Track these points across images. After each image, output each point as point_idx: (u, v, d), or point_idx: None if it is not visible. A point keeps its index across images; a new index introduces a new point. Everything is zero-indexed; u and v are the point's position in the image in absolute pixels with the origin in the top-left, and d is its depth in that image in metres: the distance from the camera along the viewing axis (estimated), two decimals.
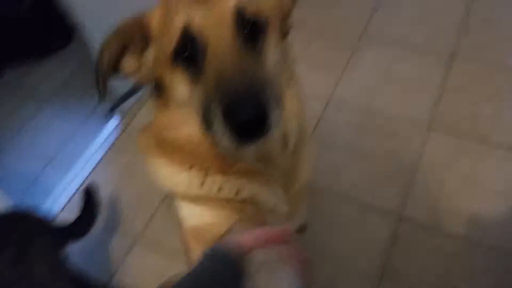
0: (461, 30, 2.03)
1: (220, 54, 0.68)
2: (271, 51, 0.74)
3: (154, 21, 0.75)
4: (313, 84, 1.96)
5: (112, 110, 2.01)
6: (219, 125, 0.65)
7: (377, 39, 2.10)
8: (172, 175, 0.86)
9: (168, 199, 0.98)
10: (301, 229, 1.48)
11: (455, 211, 1.54)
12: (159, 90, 0.78)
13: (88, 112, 2.09)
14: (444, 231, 1.50)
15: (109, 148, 1.94)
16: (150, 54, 0.76)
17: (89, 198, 1.45)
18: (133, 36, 0.75)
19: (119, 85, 1.95)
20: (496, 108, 1.76)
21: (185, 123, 0.77)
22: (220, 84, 0.66)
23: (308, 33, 2.15)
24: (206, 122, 0.69)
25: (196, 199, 0.86)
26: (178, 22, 0.70)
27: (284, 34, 0.81)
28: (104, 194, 1.62)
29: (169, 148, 0.83)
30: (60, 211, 1.78)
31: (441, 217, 1.53)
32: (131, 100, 2.01)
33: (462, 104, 1.79)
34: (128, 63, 0.77)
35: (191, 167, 0.83)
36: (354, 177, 1.66)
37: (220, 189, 0.84)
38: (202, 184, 0.84)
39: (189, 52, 0.70)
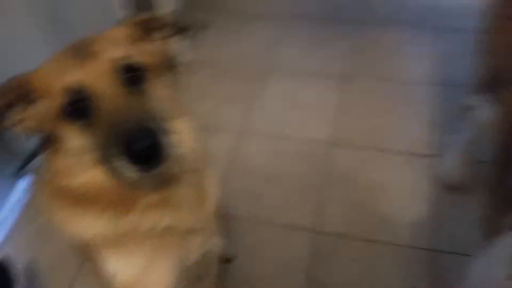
0: (351, 54, 2.25)
1: (106, 102, 0.75)
2: (154, 90, 0.83)
3: (38, 80, 0.78)
4: (225, 117, 2.07)
5: (21, 170, 1.94)
6: (119, 160, 0.72)
7: (280, 69, 2.25)
8: (85, 225, 0.87)
9: (88, 260, 0.98)
10: (227, 261, 1.52)
11: (368, 217, 1.66)
12: (51, 139, 0.81)
13: None
14: (360, 238, 1.61)
15: (22, 212, 1.85)
16: (36, 109, 0.79)
17: (2, 274, 1.37)
18: (17, 95, 0.78)
19: (27, 144, 1.90)
20: (389, 119, 1.95)
21: (83, 169, 0.80)
22: (112, 126, 0.73)
23: (217, 70, 2.28)
24: (106, 162, 0.75)
25: (116, 244, 0.88)
26: (63, 81, 0.75)
27: (168, 73, 0.90)
28: (20, 263, 1.54)
29: (74, 197, 0.85)
30: None
31: (356, 225, 1.64)
32: (41, 158, 1.96)
33: (359, 120, 1.97)
34: (13, 118, 0.79)
35: (101, 212, 0.85)
36: (273, 201, 1.74)
37: (136, 226, 0.86)
38: (118, 226, 0.86)
39: (76, 106, 0.75)
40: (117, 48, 0.80)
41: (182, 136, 0.89)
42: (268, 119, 2.03)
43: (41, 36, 1.69)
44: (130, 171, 0.73)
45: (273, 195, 1.76)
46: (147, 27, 0.90)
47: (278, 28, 2.46)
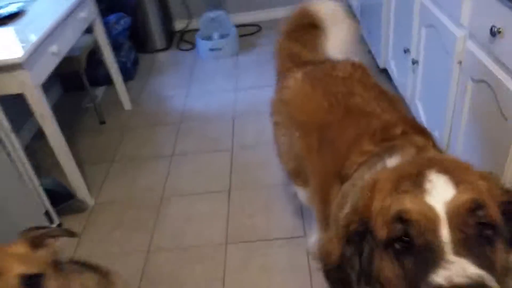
0: (229, 171, 2.82)
1: None
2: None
3: None
4: (133, 241, 2.41)
5: None
6: None
7: (174, 193, 2.72)
8: None
9: None
10: None
11: None
12: None
13: None
14: None
15: None
16: None
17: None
18: None
19: None
20: (267, 214, 2.45)
21: None
22: None
23: (122, 205, 2.67)
24: None
25: None
26: None
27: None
28: None
29: None
30: None
31: None
32: None
33: (245, 221, 2.44)
34: None
35: None
36: None
37: None
38: None
39: None
40: (19, 265, 1.02)
41: None
42: (171, 235, 2.43)
43: None
44: None
45: None
46: (38, 241, 1.15)
47: (168, 164, 2.99)
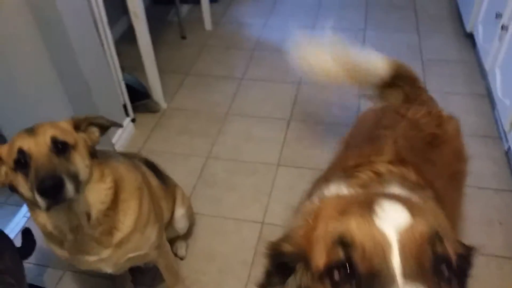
0: (293, 102, 2.95)
1: (39, 161, 1.14)
2: (77, 161, 1.23)
3: (3, 150, 1.22)
4: (196, 146, 2.67)
5: None
6: (36, 195, 1.11)
7: (238, 113, 2.91)
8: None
9: None
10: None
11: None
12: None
13: None
14: None
15: None
16: (2, 170, 1.23)
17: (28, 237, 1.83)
18: None
19: None
20: (321, 148, 2.59)
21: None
22: (37, 175, 1.12)
23: (191, 113, 2.92)
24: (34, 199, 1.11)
25: None
26: (15, 147, 1.17)
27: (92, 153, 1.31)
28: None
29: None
30: None
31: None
32: None
33: (299, 149, 2.61)
34: None
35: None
36: (230, 204, 2.30)
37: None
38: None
39: (23, 162, 1.16)
40: (54, 131, 1.20)
41: (93, 195, 1.28)
42: (230, 148, 2.65)
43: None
44: (40, 201, 1.11)
45: (230, 200, 2.33)
46: (81, 123, 1.30)
47: (237, 85, 3.17)
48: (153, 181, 1.63)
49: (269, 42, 3.61)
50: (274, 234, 2.18)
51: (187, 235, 2.11)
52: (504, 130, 2.40)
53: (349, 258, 0.62)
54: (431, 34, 3.52)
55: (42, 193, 1.10)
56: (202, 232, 2.18)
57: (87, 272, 2.00)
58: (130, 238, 1.40)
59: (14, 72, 2.05)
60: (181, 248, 2.03)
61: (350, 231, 0.64)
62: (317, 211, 0.75)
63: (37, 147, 1.16)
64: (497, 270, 1.92)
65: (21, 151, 1.15)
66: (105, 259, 1.39)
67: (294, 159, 2.55)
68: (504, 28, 2.49)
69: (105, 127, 1.36)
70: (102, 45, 2.44)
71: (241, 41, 3.68)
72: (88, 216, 1.29)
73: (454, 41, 3.42)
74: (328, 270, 0.65)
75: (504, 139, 2.44)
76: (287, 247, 0.76)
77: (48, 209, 1.14)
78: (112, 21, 2.54)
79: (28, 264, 1.97)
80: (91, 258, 1.37)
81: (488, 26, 2.86)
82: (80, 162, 1.23)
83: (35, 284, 1.90)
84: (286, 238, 0.78)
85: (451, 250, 0.65)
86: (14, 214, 2.36)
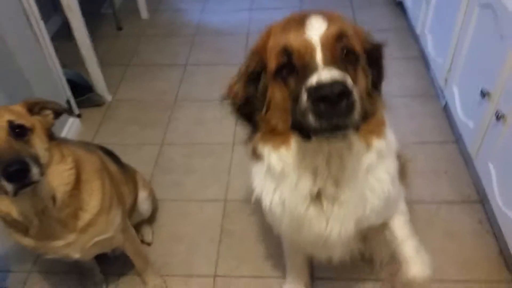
0: None
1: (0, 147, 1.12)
2: (37, 144, 1.21)
3: None
4: (147, 135, 2.63)
5: None
6: (2, 181, 1.09)
7: (187, 98, 2.90)
8: None
9: None
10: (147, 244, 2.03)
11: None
12: None
13: None
14: None
15: None
16: None
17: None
18: None
19: None
20: None
21: None
22: (1, 161, 1.08)
23: (137, 104, 2.86)
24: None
25: None
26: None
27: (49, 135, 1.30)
28: None
29: None
30: None
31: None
32: None
33: None
34: None
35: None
36: (191, 186, 2.30)
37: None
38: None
39: None
40: (10, 115, 1.16)
41: (57, 177, 1.26)
42: (182, 133, 2.64)
43: None
44: (8, 187, 1.09)
45: (191, 182, 2.33)
46: (34, 106, 1.27)
47: (182, 72, 3.14)
48: (111, 166, 1.60)
49: (209, 26, 3.61)
50: (238, 209, 2.20)
51: (151, 219, 2.09)
52: (440, 87, 2.57)
53: (290, 60, 0.93)
54: (364, 7, 3.67)
55: (9, 178, 1.07)
56: (166, 216, 2.16)
57: (52, 270, 1.94)
58: (96, 221, 1.38)
59: None
60: (147, 234, 2.01)
61: (289, 42, 0.93)
62: (268, 30, 1.04)
63: None
64: (448, 215, 2.07)
65: None
66: (72, 244, 1.36)
67: None
68: None
69: (58, 112, 1.33)
70: (39, 41, 2.33)
71: (180, 27, 3.64)
72: (54, 199, 1.26)
73: (386, 11, 3.58)
74: (278, 70, 0.97)
75: (440, 96, 2.62)
76: (253, 58, 1.06)
77: (15, 194, 1.11)
78: (45, 19, 2.44)
79: None
80: (58, 243, 1.34)
81: None
82: (39, 144, 1.20)
83: None
84: (251, 53, 1.08)
85: (357, 44, 0.97)
86: None
